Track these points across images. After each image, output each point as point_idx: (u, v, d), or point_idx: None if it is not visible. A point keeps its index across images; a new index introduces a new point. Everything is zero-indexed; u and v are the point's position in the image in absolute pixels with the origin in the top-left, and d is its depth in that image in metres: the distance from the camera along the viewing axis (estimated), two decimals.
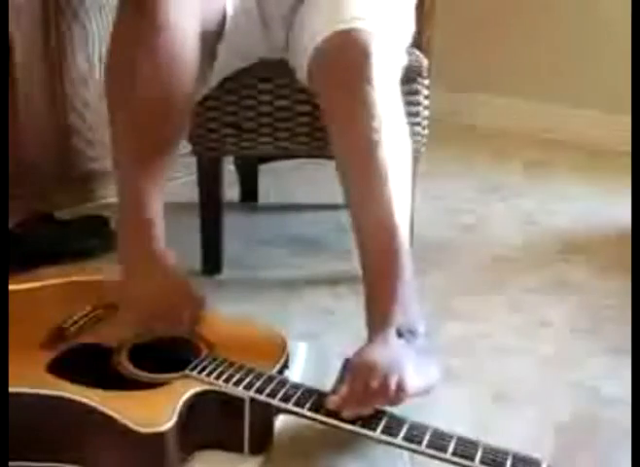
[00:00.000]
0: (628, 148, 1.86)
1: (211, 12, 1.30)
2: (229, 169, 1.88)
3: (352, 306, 1.50)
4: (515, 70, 2.89)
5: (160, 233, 1.20)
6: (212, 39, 1.33)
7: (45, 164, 1.90)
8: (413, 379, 1.04)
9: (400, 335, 1.11)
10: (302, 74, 1.35)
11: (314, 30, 1.28)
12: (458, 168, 2.40)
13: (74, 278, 1.32)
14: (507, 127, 2.74)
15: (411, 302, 1.16)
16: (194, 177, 1.63)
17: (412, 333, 1.12)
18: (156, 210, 1.19)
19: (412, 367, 1.06)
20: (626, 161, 2.06)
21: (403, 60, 1.39)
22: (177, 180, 1.89)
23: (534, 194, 2.23)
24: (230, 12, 1.34)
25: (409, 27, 1.46)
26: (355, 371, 1.05)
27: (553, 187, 2.29)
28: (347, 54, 1.21)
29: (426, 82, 1.51)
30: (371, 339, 1.12)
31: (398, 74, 1.32)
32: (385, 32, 1.27)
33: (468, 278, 1.69)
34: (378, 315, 1.14)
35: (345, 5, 1.28)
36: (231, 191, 1.95)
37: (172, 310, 1.17)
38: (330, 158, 1.30)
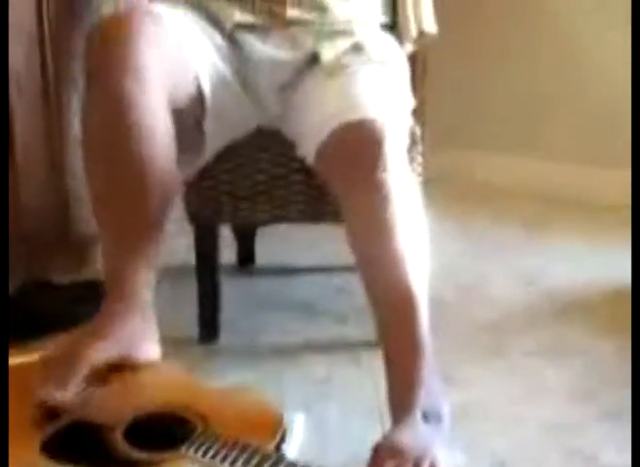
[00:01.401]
0: (627, 203, 1.86)
1: (182, 88, 1.32)
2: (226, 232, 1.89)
3: (350, 376, 1.50)
4: (512, 128, 2.91)
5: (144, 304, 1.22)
6: (194, 115, 1.35)
7: (43, 229, 1.91)
8: (443, 464, 1.06)
9: (426, 418, 1.12)
10: (305, 153, 1.37)
11: (322, 118, 1.30)
12: (456, 227, 2.41)
13: None
14: (505, 185, 2.75)
15: (434, 380, 1.17)
16: (190, 238, 1.63)
17: (438, 417, 1.14)
18: (139, 292, 1.20)
19: (441, 451, 1.07)
20: (624, 217, 2.08)
21: (407, 140, 1.42)
22: (173, 241, 1.90)
23: (532, 253, 2.23)
24: (206, 88, 1.35)
25: (410, 104, 1.49)
26: (386, 455, 1.05)
27: (552, 246, 2.29)
28: (363, 146, 1.24)
29: (420, 148, 1.52)
30: (396, 419, 1.14)
31: (405, 153, 1.34)
32: (393, 117, 1.30)
33: (466, 342, 1.69)
34: (402, 397, 1.16)
35: (352, 92, 1.32)
36: (228, 251, 1.96)
37: None
38: (326, 222, 1.31)
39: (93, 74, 1.25)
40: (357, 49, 1.42)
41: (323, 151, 1.30)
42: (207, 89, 1.35)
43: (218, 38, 1.42)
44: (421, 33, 1.61)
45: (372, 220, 1.22)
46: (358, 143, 1.24)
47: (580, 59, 2.76)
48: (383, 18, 1.58)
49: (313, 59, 1.42)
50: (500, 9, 2.91)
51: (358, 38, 1.44)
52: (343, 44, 1.43)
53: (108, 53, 1.23)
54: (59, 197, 1.93)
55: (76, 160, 1.92)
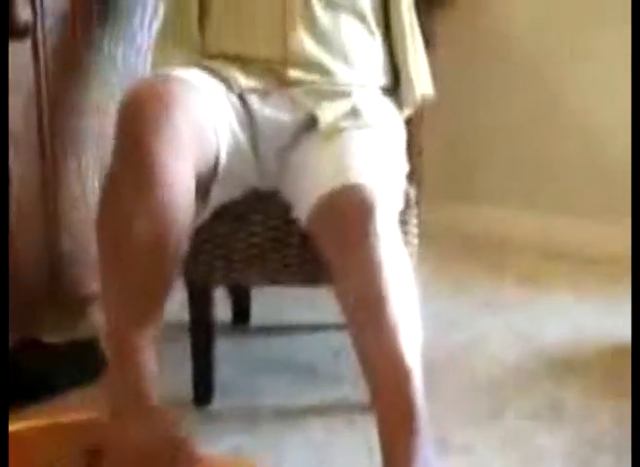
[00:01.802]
0: (625, 257, 1.87)
1: (205, 159, 1.33)
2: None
3: (346, 442, 1.48)
4: (507, 182, 2.92)
5: (150, 373, 1.19)
6: (206, 182, 1.35)
7: (35, 286, 1.90)
8: None
9: None
10: (300, 215, 1.37)
11: (315, 181, 1.31)
12: (450, 283, 2.40)
13: (60, 420, 1.29)
14: (500, 239, 2.76)
15: (428, 449, 1.16)
16: (184, 294, 1.61)
17: None
18: (144, 357, 1.18)
19: None
20: (622, 271, 2.08)
21: (400, 204, 1.42)
22: None
23: (528, 309, 2.21)
24: (223, 155, 1.36)
25: (404, 168, 1.50)
26: None
27: (548, 301, 2.27)
28: (353, 211, 1.24)
29: (414, 211, 1.53)
30: None
31: (396, 218, 1.35)
32: (385, 182, 1.31)
33: (460, 405, 1.67)
34: None
35: (346, 157, 1.32)
36: (223, 308, 1.94)
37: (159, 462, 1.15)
38: (322, 285, 1.30)
39: (124, 138, 1.24)
40: (355, 113, 1.42)
41: (314, 214, 1.30)
42: (224, 155, 1.36)
43: (234, 100, 1.44)
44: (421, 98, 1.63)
45: (362, 287, 1.22)
46: (348, 208, 1.24)
47: (577, 114, 2.78)
48: (383, 81, 1.59)
49: (312, 122, 1.43)
50: (498, 67, 2.94)
51: (356, 101, 1.45)
52: (342, 107, 1.44)
53: (141, 118, 1.22)
54: (53, 255, 1.92)
55: (71, 218, 1.93)
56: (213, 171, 1.35)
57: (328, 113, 1.42)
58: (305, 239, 1.42)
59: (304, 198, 1.33)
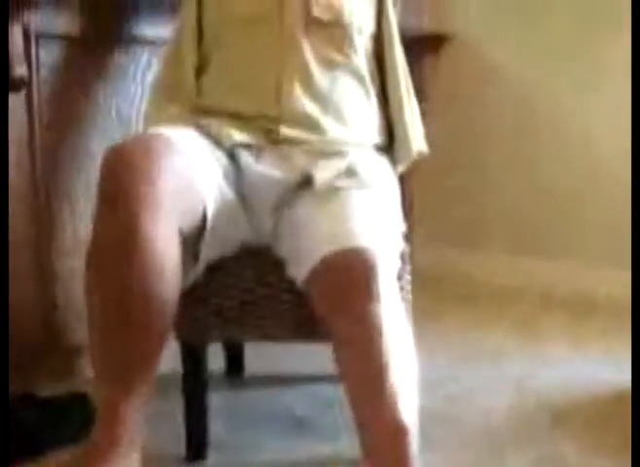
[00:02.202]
0: (622, 303, 1.86)
1: (191, 218, 1.32)
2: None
3: None
4: (500, 225, 2.93)
5: (134, 436, 1.21)
6: (195, 240, 1.35)
7: (27, 336, 1.88)
8: None
9: None
10: (295, 275, 1.37)
11: (314, 243, 1.30)
12: (445, 330, 2.40)
13: None
14: (495, 284, 2.76)
15: None
16: (177, 344, 1.59)
17: None
18: (130, 422, 1.18)
19: None
20: (619, 318, 2.08)
21: (397, 263, 1.41)
22: None
23: (523, 357, 2.20)
24: (210, 213, 1.35)
25: (401, 228, 1.49)
26: None
27: (541, 348, 2.27)
28: (353, 276, 1.24)
29: (408, 268, 1.52)
30: None
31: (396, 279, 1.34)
32: (385, 244, 1.31)
33: (456, 456, 1.64)
34: None
35: (344, 218, 1.32)
36: (216, 359, 1.93)
37: None
38: (316, 341, 1.29)
39: (107, 201, 1.24)
40: (350, 172, 1.42)
41: (313, 276, 1.30)
42: (211, 213, 1.35)
43: (222, 157, 1.43)
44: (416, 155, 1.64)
45: (365, 358, 1.22)
46: (349, 272, 1.24)
47: (575, 159, 2.81)
48: (378, 139, 1.60)
49: (307, 180, 1.42)
50: (489, 111, 2.97)
51: (352, 160, 1.45)
52: (337, 166, 1.44)
53: (124, 180, 1.22)
54: (46, 305, 1.91)
55: (64, 268, 1.92)
56: (201, 229, 1.35)
57: (323, 172, 1.41)
58: (300, 296, 1.42)
59: (302, 259, 1.32)
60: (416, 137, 1.61)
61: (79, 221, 1.91)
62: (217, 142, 1.44)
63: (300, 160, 1.45)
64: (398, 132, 1.60)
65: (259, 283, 1.47)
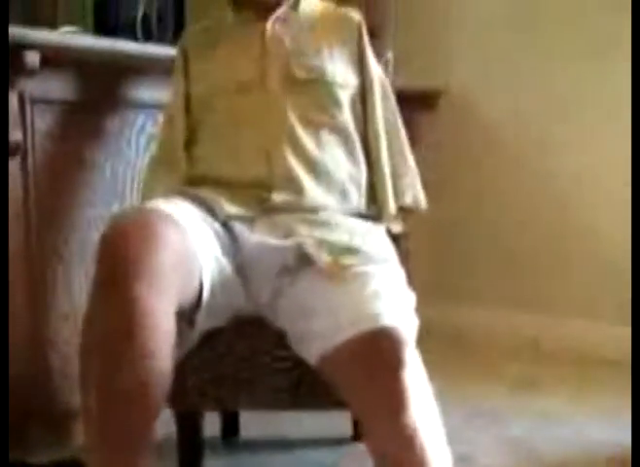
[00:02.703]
0: (621, 359, 1.84)
1: (189, 293, 1.32)
2: None
3: None
4: (499, 280, 2.93)
5: None
6: (190, 312, 1.34)
7: (21, 401, 1.86)
8: None
9: None
10: (305, 354, 1.34)
11: (334, 325, 1.28)
12: (441, 389, 2.35)
13: None
14: (493, 338, 2.74)
15: None
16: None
17: None
18: None
19: None
20: (618, 374, 2.05)
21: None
22: None
23: (521, 416, 2.18)
24: (207, 286, 1.35)
25: (413, 300, 1.43)
26: None
27: (542, 407, 2.24)
28: (383, 355, 1.24)
29: None
30: None
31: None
32: (406, 320, 1.30)
33: None
34: None
35: (363, 299, 1.29)
36: (211, 422, 1.90)
37: None
38: (312, 410, 1.27)
39: (106, 282, 1.23)
40: (353, 249, 1.39)
41: (334, 356, 1.28)
42: (208, 286, 1.35)
43: (218, 229, 1.43)
44: (410, 209, 1.64)
45: (394, 426, 1.22)
46: (379, 352, 1.24)
47: (574, 214, 2.81)
48: (364, 199, 1.60)
49: (306, 257, 1.39)
50: (487, 165, 2.98)
51: (349, 235, 1.43)
52: (335, 240, 1.41)
53: (122, 257, 1.21)
54: (39, 370, 1.89)
55: (59, 334, 1.91)
56: (197, 301, 1.34)
57: (323, 249, 1.38)
58: (297, 365, 1.40)
59: (318, 340, 1.30)
60: (406, 192, 1.62)
61: (73, 285, 1.90)
62: (213, 214, 1.44)
63: (293, 230, 1.43)
64: (377, 189, 1.61)
65: (254, 352, 1.45)
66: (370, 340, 1.24)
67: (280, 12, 1.61)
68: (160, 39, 3.85)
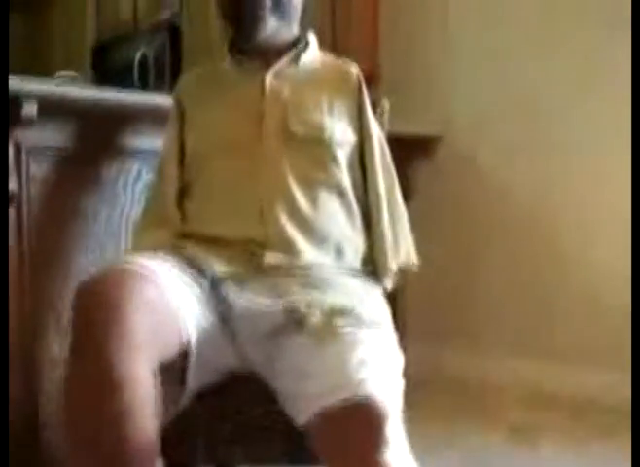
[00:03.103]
0: (619, 406, 1.83)
1: (170, 351, 1.30)
2: None
3: None
4: (496, 326, 2.92)
5: None
6: (180, 369, 1.32)
7: (12, 451, 1.84)
8: None
9: None
10: (293, 416, 1.32)
11: (316, 389, 1.26)
12: (435, 434, 2.34)
13: None
14: (491, 384, 2.72)
15: None
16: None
17: None
18: None
19: None
20: (617, 422, 2.03)
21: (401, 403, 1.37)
22: None
23: (520, 464, 2.15)
24: (193, 342, 1.33)
25: (401, 364, 1.41)
26: None
27: (540, 454, 2.22)
28: (362, 426, 1.20)
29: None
30: None
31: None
32: (391, 388, 1.28)
33: None
34: None
35: (347, 365, 1.27)
36: None
37: None
38: (307, 464, 1.25)
39: (80, 344, 1.21)
40: (345, 310, 1.36)
41: (316, 422, 1.25)
42: (194, 343, 1.33)
43: (205, 287, 1.39)
44: (404, 266, 1.61)
45: None
46: (357, 423, 1.20)
47: (570, 259, 2.81)
48: (361, 257, 1.57)
49: (295, 315, 1.37)
50: (480, 213, 2.99)
51: (344, 296, 1.41)
52: (327, 299, 1.39)
53: (96, 320, 1.20)
54: (31, 417, 1.87)
55: (51, 379, 1.89)
56: (185, 359, 1.32)
57: (314, 310, 1.36)
58: (291, 419, 1.35)
59: (303, 403, 1.27)
60: (401, 250, 1.60)
61: (64, 334, 1.88)
62: (200, 272, 1.41)
63: (286, 290, 1.41)
64: (376, 248, 1.58)
65: (248, 408, 1.43)
66: (351, 410, 1.21)
67: (280, 65, 1.60)
68: (158, 80, 3.89)
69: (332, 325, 1.33)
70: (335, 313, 1.35)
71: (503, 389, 2.70)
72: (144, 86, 3.97)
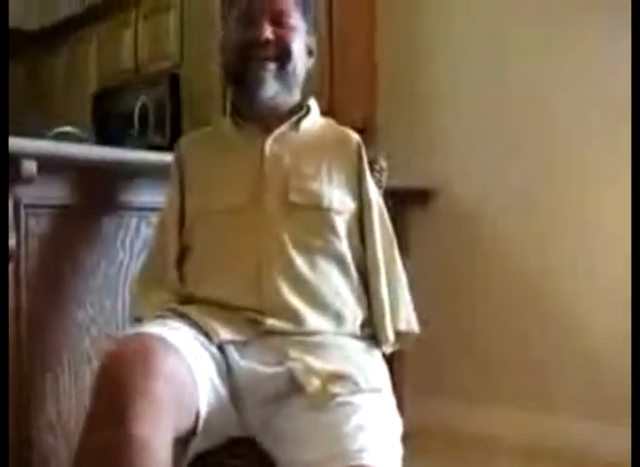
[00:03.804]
0: (619, 461, 1.81)
1: (186, 420, 1.30)
2: None
3: None
4: (492, 379, 2.90)
5: None
6: (187, 435, 1.32)
7: None
8: None
9: None
10: None
11: (313, 457, 1.26)
12: None
13: None
14: (487, 437, 2.70)
15: None
16: None
17: None
18: None
19: None
20: None
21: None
22: None
23: None
24: (204, 411, 1.33)
25: (399, 429, 1.42)
26: None
27: None
28: None
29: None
30: None
31: None
32: (388, 457, 1.28)
33: None
34: None
35: (344, 433, 1.27)
36: None
37: None
38: None
39: (104, 410, 1.20)
40: (343, 376, 1.36)
41: None
42: (204, 415, 1.33)
43: (215, 353, 1.40)
44: (403, 333, 1.60)
45: None
46: None
47: (564, 314, 2.80)
48: (360, 322, 1.56)
49: (297, 384, 1.37)
50: (474, 265, 2.98)
51: (343, 361, 1.41)
52: (326, 364, 1.39)
53: (121, 389, 1.19)
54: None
55: (46, 443, 1.86)
56: (194, 426, 1.32)
57: (312, 377, 1.36)
58: None
59: None
60: (401, 318, 1.58)
61: (61, 396, 1.86)
62: (208, 337, 1.41)
63: (286, 353, 1.41)
64: (376, 316, 1.57)
65: None
66: None
67: (281, 130, 1.60)
68: (157, 128, 3.92)
69: (330, 392, 1.33)
70: (332, 379, 1.35)
71: (499, 442, 2.67)
72: (144, 134, 4.00)
